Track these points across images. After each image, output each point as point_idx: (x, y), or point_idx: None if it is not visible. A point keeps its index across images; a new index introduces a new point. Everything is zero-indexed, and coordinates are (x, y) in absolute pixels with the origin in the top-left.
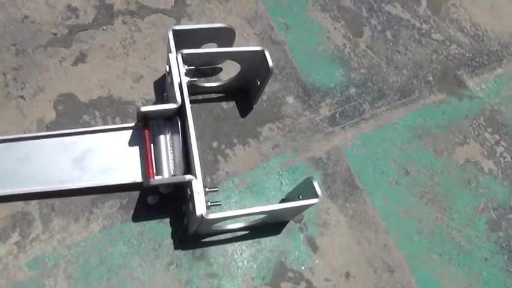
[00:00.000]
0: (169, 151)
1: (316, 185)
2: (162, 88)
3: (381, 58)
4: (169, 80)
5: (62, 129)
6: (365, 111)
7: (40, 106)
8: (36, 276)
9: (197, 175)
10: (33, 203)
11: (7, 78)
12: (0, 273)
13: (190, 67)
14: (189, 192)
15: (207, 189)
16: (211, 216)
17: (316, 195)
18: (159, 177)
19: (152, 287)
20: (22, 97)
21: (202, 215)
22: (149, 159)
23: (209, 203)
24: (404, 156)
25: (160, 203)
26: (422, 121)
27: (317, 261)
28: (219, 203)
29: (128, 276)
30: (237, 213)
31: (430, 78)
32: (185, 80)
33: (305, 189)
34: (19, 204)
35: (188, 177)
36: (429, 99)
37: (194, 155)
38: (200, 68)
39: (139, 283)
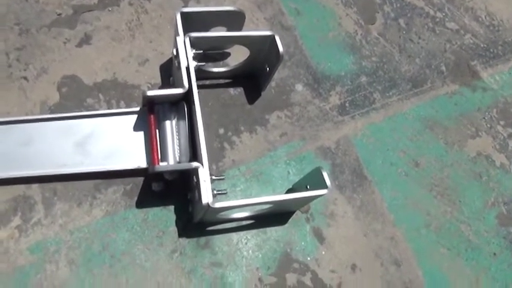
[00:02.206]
0: (175, 137)
1: (325, 175)
2: (168, 72)
3: (393, 46)
4: (176, 64)
5: (66, 112)
6: (375, 101)
7: (43, 88)
8: (37, 260)
9: (203, 163)
10: (35, 186)
11: (10, 58)
12: (1, 257)
13: (198, 51)
14: (195, 180)
15: (213, 177)
16: (218, 205)
17: (325, 186)
18: (164, 163)
19: (155, 275)
20: (25, 78)
21: (208, 203)
22: (154, 145)
23: (215, 192)
24: (414, 148)
25: (165, 190)
26: (433, 112)
27: (323, 253)
28: (225, 191)
29: (130, 263)
30: (243, 202)
31: (443, 68)
32: (193, 64)
33: (313, 180)
34: (21, 188)
35: (194, 164)
36: (441, 90)
37: (201, 142)
38: (208, 52)
39: (142, 270)
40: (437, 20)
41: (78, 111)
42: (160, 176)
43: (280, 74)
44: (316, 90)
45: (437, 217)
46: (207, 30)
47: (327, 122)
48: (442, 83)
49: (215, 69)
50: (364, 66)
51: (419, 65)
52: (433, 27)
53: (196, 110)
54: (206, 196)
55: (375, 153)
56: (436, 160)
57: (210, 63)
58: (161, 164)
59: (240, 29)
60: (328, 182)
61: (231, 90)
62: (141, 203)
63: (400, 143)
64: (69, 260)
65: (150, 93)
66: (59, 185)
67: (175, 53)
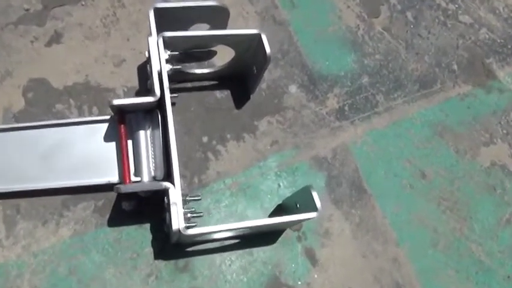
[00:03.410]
0: (150, 149)
1: (315, 196)
2: (146, 74)
3: (400, 42)
4: (149, 68)
5: (31, 120)
6: (378, 104)
7: (7, 92)
8: None
9: (175, 182)
10: None
11: None
12: None
13: (174, 52)
14: (166, 201)
15: (187, 198)
16: (190, 231)
17: (314, 208)
18: (137, 178)
19: None
20: None
21: (179, 229)
22: (125, 160)
23: (189, 215)
24: (421, 157)
25: (138, 208)
26: (443, 116)
27: (316, 276)
28: (200, 214)
29: None
30: (218, 228)
31: (455, 67)
32: (166, 68)
33: (303, 198)
34: None
35: (164, 184)
36: (453, 92)
37: (173, 159)
38: (191, 51)
39: None
40: (450, 12)
41: (43, 120)
42: (132, 193)
43: (271, 74)
44: (312, 92)
45: (445, 235)
46: (187, 28)
47: (323, 128)
48: (453, 84)
49: (198, 71)
50: (366, 65)
51: (428, 63)
52: (444, 20)
53: (169, 123)
54: (177, 221)
55: (376, 163)
56: (445, 171)
57: (193, 63)
58: (133, 179)
59: (224, 26)
60: (318, 204)
61: (217, 93)
62: (113, 221)
63: (405, 152)
64: (32, 285)
65: (116, 102)
66: (22, 202)
67: (147, 55)
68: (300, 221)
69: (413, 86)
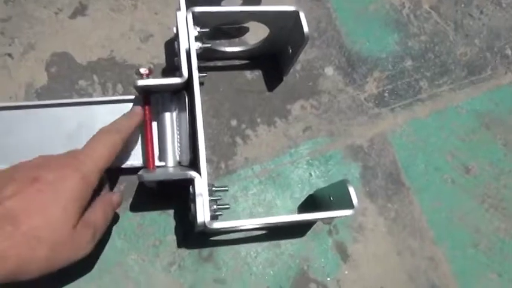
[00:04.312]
0: (176, 132)
1: (352, 192)
2: (174, 51)
3: (448, 23)
4: (177, 46)
5: (54, 97)
6: (422, 90)
7: (30, 67)
8: None
9: (202, 172)
10: None
11: None
12: None
13: (204, 29)
14: (191, 191)
15: (214, 188)
16: (216, 225)
17: (350, 205)
18: (158, 166)
19: None
20: (10, 55)
21: (204, 222)
22: (149, 143)
23: (215, 206)
24: (465, 150)
25: (162, 188)
26: (492, 106)
27: (346, 272)
28: (227, 206)
29: (122, 276)
30: (247, 223)
31: (508, 51)
32: (195, 46)
33: (338, 192)
34: None
35: (191, 173)
36: (504, 79)
37: (200, 147)
38: (221, 27)
39: (135, 285)
40: None
41: (66, 97)
42: None
43: (307, 54)
44: (350, 75)
45: (487, 235)
46: (218, 2)
47: (360, 115)
48: (505, 70)
49: (229, 49)
50: (410, 47)
51: (478, 46)
52: None
53: (197, 106)
54: (202, 213)
55: (416, 154)
56: (491, 166)
57: (223, 41)
58: (157, 164)
59: (258, 2)
60: (355, 200)
61: (248, 74)
62: (136, 206)
63: (448, 144)
64: None
65: (141, 82)
66: None
67: (175, 31)
68: (333, 218)
69: (460, 72)
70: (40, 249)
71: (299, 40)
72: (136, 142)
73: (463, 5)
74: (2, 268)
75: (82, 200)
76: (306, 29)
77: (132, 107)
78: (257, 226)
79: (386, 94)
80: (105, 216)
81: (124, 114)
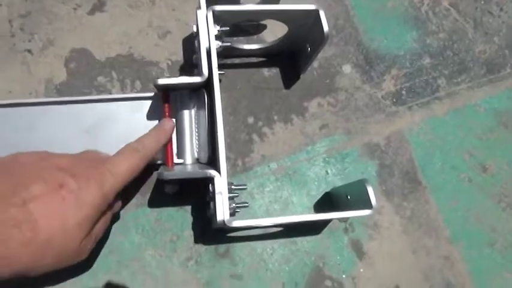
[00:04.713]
0: (194, 130)
1: (371, 191)
2: (192, 48)
3: (467, 20)
4: (196, 44)
5: (73, 93)
6: (440, 88)
7: (49, 63)
8: None
9: (221, 171)
10: None
11: (13, 27)
12: None
13: (224, 28)
14: (211, 190)
15: (233, 186)
16: (236, 223)
17: (369, 205)
18: (177, 163)
19: (167, 285)
20: (29, 51)
21: (223, 220)
22: (169, 143)
23: (234, 204)
24: (483, 148)
25: (181, 190)
26: (511, 104)
27: (362, 270)
28: (246, 204)
29: (139, 270)
30: (266, 221)
31: None
32: (215, 45)
33: (356, 192)
34: None
35: (210, 172)
36: None
37: (219, 145)
38: (239, 24)
39: (152, 279)
40: None
41: (86, 93)
42: None
43: (324, 52)
44: (368, 73)
45: (503, 234)
46: (238, 1)
47: (377, 113)
48: None
49: (247, 46)
50: (428, 44)
51: (498, 44)
52: None
53: (216, 105)
54: (222, 212)
55: (433, 153)
56: (508, 165)
57: (241, 38)
58: (175, 161)
59: (277, 0)
60: (373, 200)
61: (265, 71)
62: (154, 202)
63: (466, 142)
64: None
65: (161, 81)
66: None
67: (195, 30)
68: (350, 217)
69: (479, 70)
70: (50, 257)
71: (318, 39)
72: None
73: (482, 2)
74: (11, 269)
75: (96, 216)
76: (326, 28)
77: (163, 120)
78: (274, 224)
79: (403, 92)
80: (106, 223)
81: (153, 129)
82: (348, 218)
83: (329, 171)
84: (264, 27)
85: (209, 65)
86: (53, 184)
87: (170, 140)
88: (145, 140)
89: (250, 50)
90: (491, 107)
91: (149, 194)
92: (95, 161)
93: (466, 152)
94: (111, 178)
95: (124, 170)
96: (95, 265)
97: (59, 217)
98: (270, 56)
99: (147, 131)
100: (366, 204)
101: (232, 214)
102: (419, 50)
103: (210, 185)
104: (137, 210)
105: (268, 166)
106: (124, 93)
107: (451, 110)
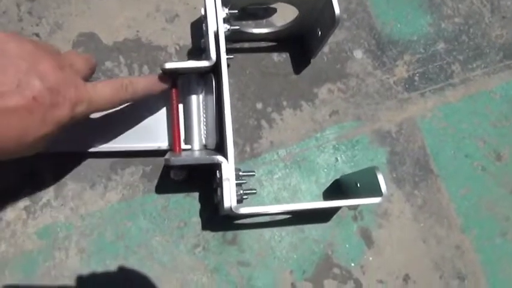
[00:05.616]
0: (202, 115)
1: (381, 179)
2: (201, 32)
3: (484, 4)
4: (204, 28)
5: None
6: (454, 74)
7: (57, 47)
8: (46, 246)
9: (229, 157)
10: (45, 163)
11: (21, 11)
12: (8, 240)
13: (233, 11)
14: (218, 176)
15: (240, 173)
16: (243, 210)
17: (379, 193)
18: (184, 149)
19: (174, 271)
20: (37, 35)
21: (231, 207)
22: (176, 126)
23: (241, 191)
24: (497, 136)
25: (187, 177)
26: None
27: (371, 259)
28: (254, 191)
29: (147, 257)
30: (274, 209)
31: None
32: (223, 28)
33: (366, 179)
34: (28, 164)
35: (218, 158)
36: None
37: (227, 131)
38: (248, 8)
39: (160, 265)
40: None
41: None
42: None
43: (335, 36)
44: (379, 58)
45: None
46: None
47: (389, 100)
48: None
49: (256, 31)
50: (443, 29)
51: None
52: None
53: (224, 90)
54: (229, 198)
55: (446, 140)
56: None
57: (250, 22)
58: (183, 147)
59: None
60: (384, 188)
61: (275, 56)
62: (161, 188)
63: (480, 130)
64: (80, 248)
65: (169, 65)
66: (70, 163)
67: (203, 13)
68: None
69: (495, 56)
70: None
71: (329, 22)
72: (162, 125)
73: None
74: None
75: (57, 132)
76: (337, 11)
77: (159, 77)
78: (282, 211)
79: (416, 78)
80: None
81: (150, 76)
82: (357, 206)
83: (338, 158)
84: (274, 11)
85: (217, 48)
86: (28, 94)
87: (178, 125)
88: (138, 83)
89: (260, 34)
90: (507, 93)
91: (156, 180)
92: (77, 75)
93: (479, 139)
94: (86, 104)
95: (102, 102)
96: (102, 250)
97: (19, 130)
98: (280, 41)
99: (154, 118)
100: (375, 192)
101: (239, 201)
102: (433, 35)
103: (218, 171)
104: (144, 196)
105: (277, 153)
106: None
107: (465, 96)
